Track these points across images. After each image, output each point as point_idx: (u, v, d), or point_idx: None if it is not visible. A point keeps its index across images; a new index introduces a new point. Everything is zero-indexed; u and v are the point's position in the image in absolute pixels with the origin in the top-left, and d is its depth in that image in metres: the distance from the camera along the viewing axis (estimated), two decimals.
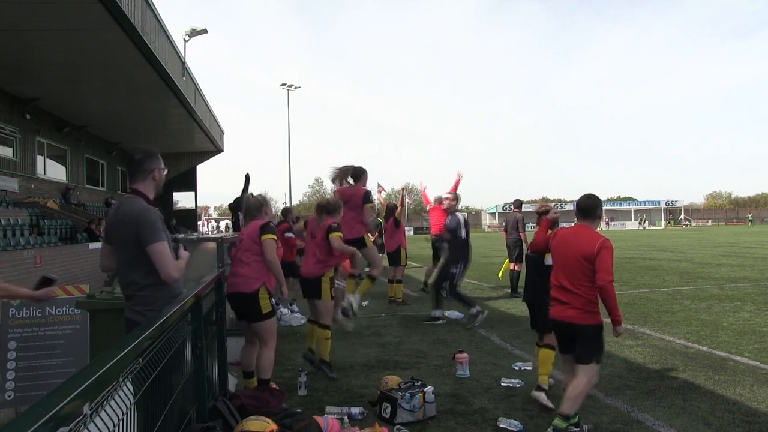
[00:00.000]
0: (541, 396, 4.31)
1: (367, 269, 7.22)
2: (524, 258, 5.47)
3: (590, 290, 3.66)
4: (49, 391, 1.26)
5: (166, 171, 3.21)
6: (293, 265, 8.19)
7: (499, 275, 11.06)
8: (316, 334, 5.56)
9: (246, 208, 4.95)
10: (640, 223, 56.14)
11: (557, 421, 3.58)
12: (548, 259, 4.64)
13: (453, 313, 8.16)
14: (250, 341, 4.80)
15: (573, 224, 4.03)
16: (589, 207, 3.83)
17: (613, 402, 4.43)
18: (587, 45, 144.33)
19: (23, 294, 3.15)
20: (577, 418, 3.76)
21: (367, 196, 6.40)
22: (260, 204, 4.82)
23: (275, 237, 4.59)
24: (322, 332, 5.44)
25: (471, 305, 7.57)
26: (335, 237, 5.31)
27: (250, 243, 4.55)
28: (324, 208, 5.54)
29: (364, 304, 9.66)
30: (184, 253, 3.18)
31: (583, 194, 3.92)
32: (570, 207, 68.98)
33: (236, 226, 9.04)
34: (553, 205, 5.31)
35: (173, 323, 2.53)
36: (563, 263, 3.82)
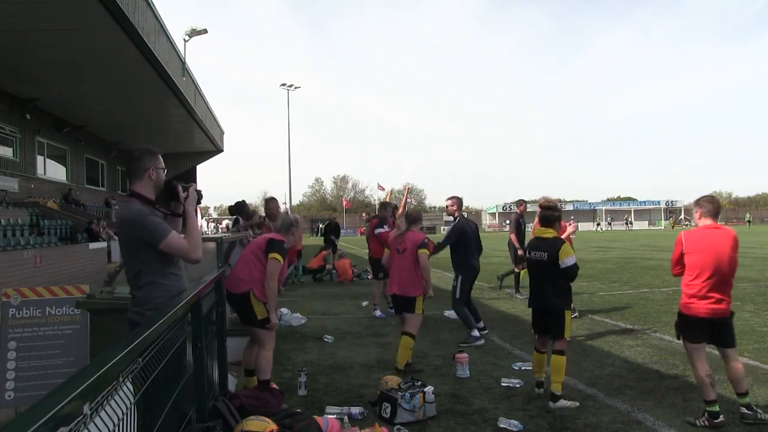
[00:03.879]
0: (565, 403, 4.29)
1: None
2: (527, 260, 5.12)
3: (731, 283, 4.01)
4: (49, 391, 1.26)
5: (165, 171, 3.16)
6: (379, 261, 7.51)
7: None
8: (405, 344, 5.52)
9: (280, 221, 5.08)
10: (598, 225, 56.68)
11: (743, 400, 3.90)
12: (565, 262, 4.55)
13: (452, 314, 8.16)
14: (253, 339, 4.86)
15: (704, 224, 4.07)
16: (719, 208, 4.14)
17: (613, 402, 4.44)
18: (587, 45, 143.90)
19: None
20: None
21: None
22: (290, 224, 4.87)
23: (281, 258, 4.52)
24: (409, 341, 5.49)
25: (470, 326, 6.70)
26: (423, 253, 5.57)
27: (255, 248, 4.66)
28: (410, 218, 5.84)
29: (363, 304, 9.66)
30: (192, 219, 3.11)
31: (706, 195, 4.15)
32: (570, 207, 68.41)
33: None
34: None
35: (173, 323, 2.53)
36: (714, 261, 3.92)
